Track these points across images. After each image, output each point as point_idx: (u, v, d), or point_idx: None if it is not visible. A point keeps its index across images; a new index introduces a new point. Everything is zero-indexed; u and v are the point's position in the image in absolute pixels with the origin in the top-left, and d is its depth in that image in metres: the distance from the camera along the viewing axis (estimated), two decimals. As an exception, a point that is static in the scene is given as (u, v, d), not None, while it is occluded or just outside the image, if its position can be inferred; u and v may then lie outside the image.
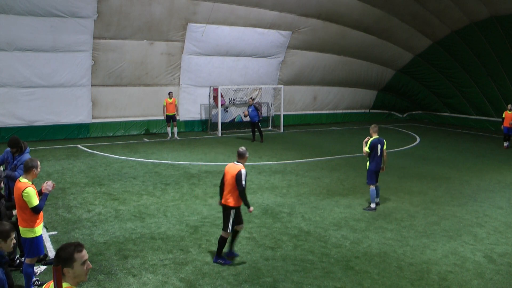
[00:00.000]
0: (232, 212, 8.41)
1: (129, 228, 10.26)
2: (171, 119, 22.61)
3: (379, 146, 11.76)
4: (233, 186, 8.31)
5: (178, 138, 22.78)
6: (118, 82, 22.88)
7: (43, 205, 7.24)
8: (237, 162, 8.54)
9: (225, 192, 8.49)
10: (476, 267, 8.51)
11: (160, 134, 23.68)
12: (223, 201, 8.53)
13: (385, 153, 11.93)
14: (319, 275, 8.09)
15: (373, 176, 11.88)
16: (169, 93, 22.57)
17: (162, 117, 23.23)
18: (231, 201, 8.39)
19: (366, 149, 11.74)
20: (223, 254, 8.61)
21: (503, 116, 21.42)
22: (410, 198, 12.92)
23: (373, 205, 11.85)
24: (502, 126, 21.65)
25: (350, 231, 10.24)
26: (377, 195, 12.05)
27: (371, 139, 11.80)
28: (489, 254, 9.07)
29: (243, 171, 8.27)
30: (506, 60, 25.24)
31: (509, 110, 21.09)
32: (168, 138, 22.80)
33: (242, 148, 8.66)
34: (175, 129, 22.99)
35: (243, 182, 8.21)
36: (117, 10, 20.87)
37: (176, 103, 22.65)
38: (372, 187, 11.87)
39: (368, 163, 11.93)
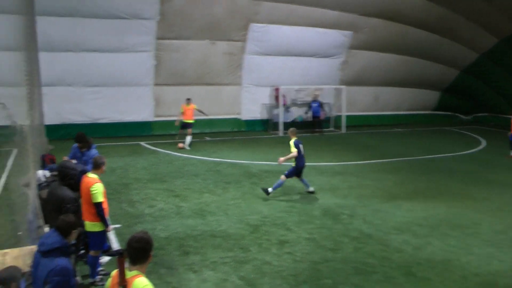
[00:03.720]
0: None
1: (190, 224, 10.46)
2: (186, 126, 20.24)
3: (301, 146, 12.87)
4: None
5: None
6: (180, 81, 23.34)
7: (103, 215, 7.38)
8: None
9: None
10: (548, 279, 8.11)
11: (222, 133, 23.88)
12: None
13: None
14: (380, 279, 7.96)
15: (294, 172, 12.86)
16: (187, 100, 20.30)
17: (224, 116, 23.52)
18: None
19: (293, 149, 12.67)
20: None
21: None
22: (474, 205, 12.44)
23: (270, 189, 12.77)
24: (509, 133, 19.01)
25: (412, 236, 10.00)
26: (308, 185, 13.22)
27: (292, 140, 12.86)
28: (562, 266, 8.62)
29: None
30: None
31: None
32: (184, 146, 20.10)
33: None
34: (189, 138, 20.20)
35: None
36: (179, 11, 21.30)
37: (195, 107, 20.36)
38: (284, 178, 12.75)
39: (294, 162, 12.82)
